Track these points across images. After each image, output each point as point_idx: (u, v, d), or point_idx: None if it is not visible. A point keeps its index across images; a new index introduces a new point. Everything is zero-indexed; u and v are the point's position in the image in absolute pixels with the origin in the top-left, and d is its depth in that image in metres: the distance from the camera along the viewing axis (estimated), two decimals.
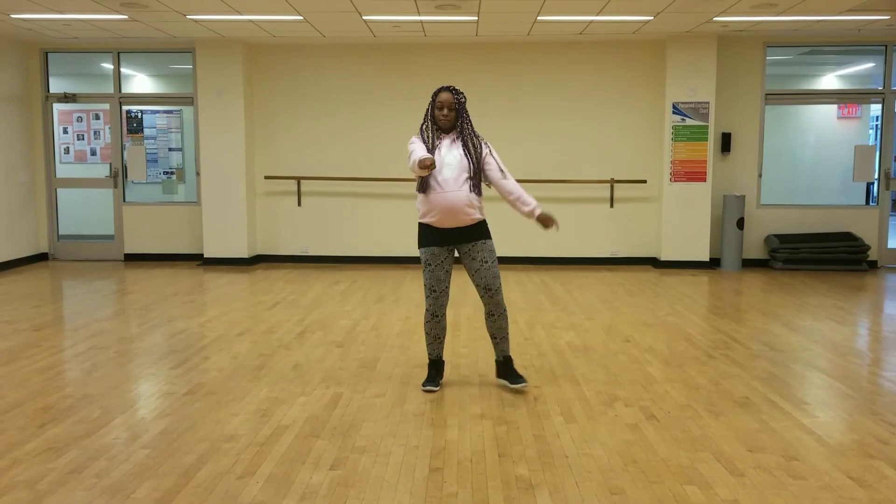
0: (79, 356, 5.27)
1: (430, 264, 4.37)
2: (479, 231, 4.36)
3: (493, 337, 4.51)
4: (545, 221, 4.37)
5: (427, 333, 4.52)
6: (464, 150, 4.28)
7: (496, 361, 4.59)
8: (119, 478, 3.25)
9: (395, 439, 3.72)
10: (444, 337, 4.55)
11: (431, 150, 4.27)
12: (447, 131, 4.35)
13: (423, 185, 4.29)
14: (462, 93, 4.35)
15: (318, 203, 9.89)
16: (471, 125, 4.37)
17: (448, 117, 4.29)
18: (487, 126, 9.48)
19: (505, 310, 4.44)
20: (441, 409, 4.16)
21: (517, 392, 4.47)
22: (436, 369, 4.58)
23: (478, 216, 4.34)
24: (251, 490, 3.14)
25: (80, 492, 3.11)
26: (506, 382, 4.52)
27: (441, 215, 4.27)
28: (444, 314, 4.47)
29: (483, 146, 4.37)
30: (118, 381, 4.67)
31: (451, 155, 4.28)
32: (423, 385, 4.51)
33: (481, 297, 4.41)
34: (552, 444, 3.65)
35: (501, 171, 4.38)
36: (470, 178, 4.27)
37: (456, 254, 4.44)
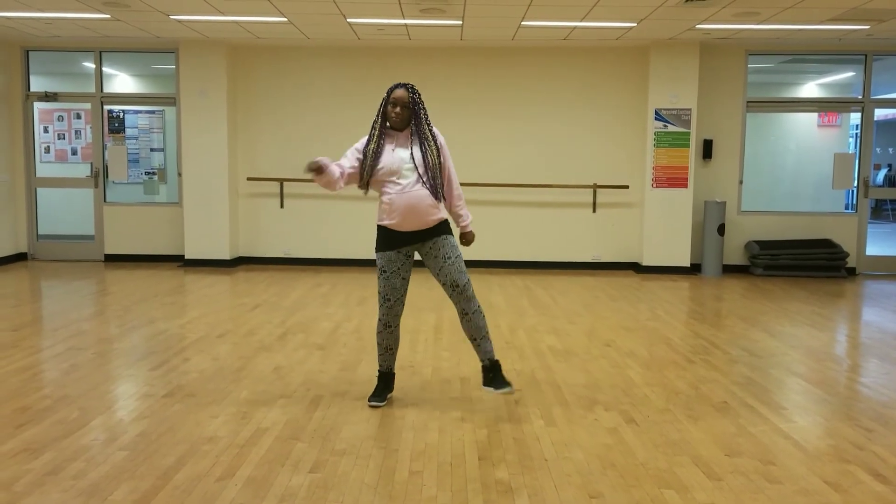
0: (57, 357, 5.23)
1: (385, 271, 4.11)
2: (439, 228, 4.12)
3: (472, 339, 4.17)
4: (467, 238, 4.31)
5: (379, 344, 4.25)
6: (422, 147, 4.05)
7: (482, 367, 4.22)
8: (97, 479, 3.22)
9: (376, 442, 3.71)
10: (396, 348, 4.28)
11: (376, 153, 4.05)
12: (401, 130, 4.10)
13: (375, 186, 4.10)
14: (418, 91, 4.12)
15: (301, 205, 9.87)
16: (428, 123, 4.11)
17: (400, 115, 4.03)
18: (470, 130, 9.52)
19: (479, 307, 4.14)
20: (421, 413, 4.16)
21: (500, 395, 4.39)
22: (384, 383, 4.32)
23: (440, 216, 4.12)
24: (230, 492, 3.13)
25: (57, 493, 3.08)
26: (491, 389, 4.19)
27: (403, 217, 4.02)
28: (398, 324, 4.21)
29: (441, 145, 4.14)
30: (97, 382, 4.64)
31: (408, 153, 4.06)
32: (369, 400, 4.26)
33: (450, 296, 4.12)
34: (532, 447, 3.66)
35: (450, 174, 4.21)
36: (428, 176, 4.03)
37: (417, 256, 4.22)
